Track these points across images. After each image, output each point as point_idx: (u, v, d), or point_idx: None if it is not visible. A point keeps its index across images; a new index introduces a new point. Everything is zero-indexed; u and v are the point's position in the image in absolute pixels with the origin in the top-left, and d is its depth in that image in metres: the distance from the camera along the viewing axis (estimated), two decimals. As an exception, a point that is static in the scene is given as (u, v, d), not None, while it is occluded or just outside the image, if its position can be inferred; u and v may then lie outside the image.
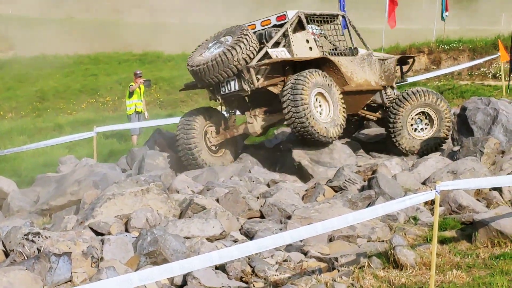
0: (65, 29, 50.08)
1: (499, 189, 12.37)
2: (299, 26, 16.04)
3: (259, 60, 15.20)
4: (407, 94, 16.68)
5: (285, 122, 15.56)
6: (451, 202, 11.88)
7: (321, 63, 15.75)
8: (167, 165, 14.61)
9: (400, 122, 16.49)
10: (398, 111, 16.57)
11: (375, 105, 17.39)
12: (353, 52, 16.59)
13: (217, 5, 50.91)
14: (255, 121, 15.67)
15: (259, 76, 15.16)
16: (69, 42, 44.47)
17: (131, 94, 22.39)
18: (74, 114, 30.90)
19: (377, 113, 17.40)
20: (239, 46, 15.10)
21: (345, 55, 16.49)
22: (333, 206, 11.41)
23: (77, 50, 42.40)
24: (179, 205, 11.70)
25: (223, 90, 15.57)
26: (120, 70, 37.46)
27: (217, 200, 11.92)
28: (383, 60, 17.25)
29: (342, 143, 15.98)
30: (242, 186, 12.89)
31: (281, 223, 11.13)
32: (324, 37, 16.91)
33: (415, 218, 11.48)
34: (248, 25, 16.08)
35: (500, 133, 15.30)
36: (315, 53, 15.82)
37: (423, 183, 13.30)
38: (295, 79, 14.94)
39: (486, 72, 28.40)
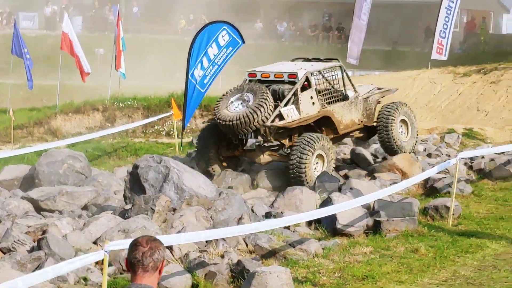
0: None
1: (169, 247, 12.54)
2: (306, 84, 18.39)
3: (275, 118, 17.73)
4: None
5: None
6: (122, 261, 11.86)
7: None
8: None
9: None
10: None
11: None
12: (345, 97, 19.15)
13: None
14: (262, 156, 18.80)
15: (272, 131, 17.88)
16: None
17: None
18: None
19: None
20: (260, 109, 17.47)
21: (339, 101, 19.02)
22: (1, 269, 10.97)
23: None
24: None
25: (240, 136, 18.31)
26: None
27: None
28: (366, 98, 19.79)
29: None
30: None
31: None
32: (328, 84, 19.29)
33: (85, 279, 11.33)
34: (262, 73, 18.54)
35: (172, 190, 15.58)
36: (317, 108, 18.37)
37: (95, 243, 13.19)
38: (303, 143, 17.53)
39: (160, 129, 28.98)
